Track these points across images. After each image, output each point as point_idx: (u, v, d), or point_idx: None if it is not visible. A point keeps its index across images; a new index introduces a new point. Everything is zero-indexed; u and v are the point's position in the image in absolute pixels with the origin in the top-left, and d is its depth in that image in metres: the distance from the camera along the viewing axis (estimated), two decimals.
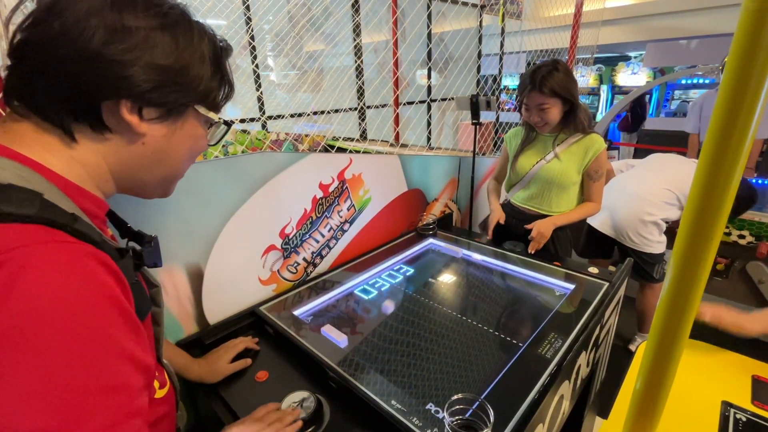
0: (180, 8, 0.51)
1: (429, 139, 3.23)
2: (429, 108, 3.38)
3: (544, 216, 1.54)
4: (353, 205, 1.48)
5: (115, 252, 0.45)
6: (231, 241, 1.11)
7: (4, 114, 0.48)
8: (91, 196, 0.49)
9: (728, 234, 2.07)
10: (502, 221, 1.59)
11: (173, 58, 0.48)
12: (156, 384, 0.58)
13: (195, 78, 0.51)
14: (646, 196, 1.88)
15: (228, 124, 0.60)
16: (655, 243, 1.90)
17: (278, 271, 1.27)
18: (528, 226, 1.50)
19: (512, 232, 1.62)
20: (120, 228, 0.63)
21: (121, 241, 0.62)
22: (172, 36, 0.48)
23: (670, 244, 1.86)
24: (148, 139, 0.50)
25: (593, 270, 1.33)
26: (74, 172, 0.47)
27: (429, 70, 3.45)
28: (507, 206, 1.69)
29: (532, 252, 1.47)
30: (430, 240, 1.65)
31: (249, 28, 2.83)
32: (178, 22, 0.49)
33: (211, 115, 0.56)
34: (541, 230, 1.46)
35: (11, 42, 0.45)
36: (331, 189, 1.38)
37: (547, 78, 1.35)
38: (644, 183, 1.93)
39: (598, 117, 6.16)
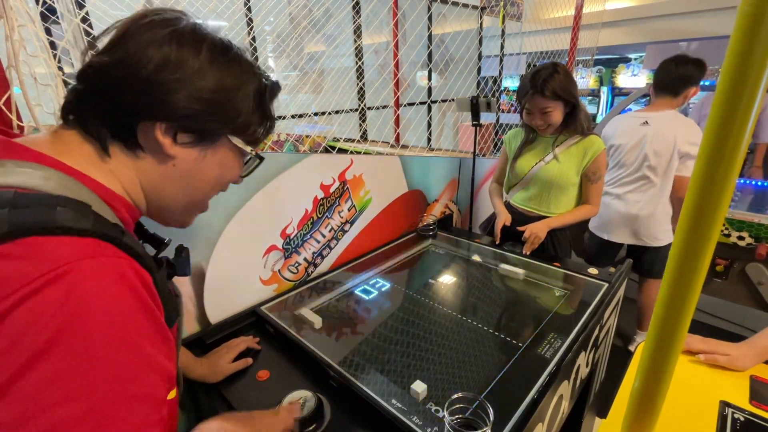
0: (236, 50, 0.54)
1: (429, 140, 3.24)
2: (429, 109, 3.39)
3: (543, 217, 1.55)
4: (354, 206, 1.49)
5: (154, 264, 0.48)
6: (233, 241, 1.12)
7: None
8: (129, 205, 0.52)
9: (727, 235, 2.07)
10: (508, 223, 1.58)
11: (219, 92, 0.51)
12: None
13: (235, 111, 0.53)
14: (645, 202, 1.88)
15: (260, 158, 0.61)
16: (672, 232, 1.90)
17: (279, 271, 1.27)
18: (521, 228, 1.50)
19: (512, 233, 1.62)
20: (136, 230, 0.64)
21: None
22: (222, 73, 0.51)
23: None
24: (178, 161, 0.52)
25: (593, 271, 1.34)
26: (112, 183, 0.49)
27: (429, 71, 3.46)
28: (506, 207, 1.70)
29: (527, 253, 1.47)
30: (430, 241, 1.65)
31: (250, 29, 2.84)
32: (231, 61, 0.52)
33: (245, 147, 0.57)
34: (534, 231, 1.47)
35: (82, 66, 0.49)
36: (332, 190, 1.39)
37: (549, 81, 1.35)
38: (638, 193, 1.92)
39: (598, 119, 6.17)
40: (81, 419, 0.36)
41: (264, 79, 0.57)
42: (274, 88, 0.59)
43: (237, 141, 0.56)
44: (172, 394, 0.60)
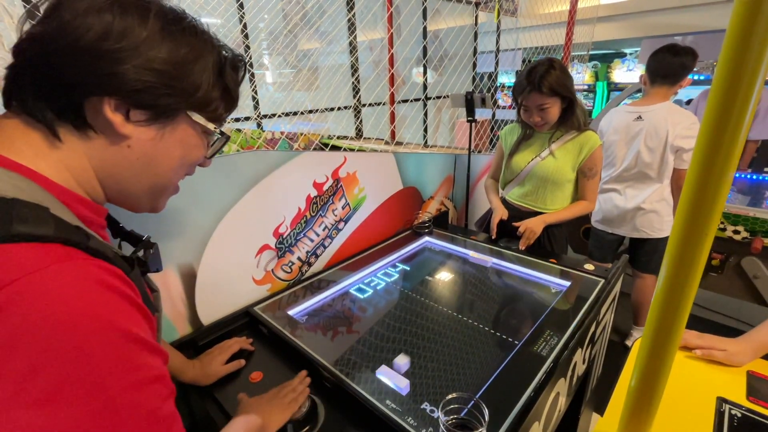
0: (191, 19, 0.51)
1: (425, 136, 3.23)
2: (425, 105, 3.38)
3: (538, 213, 1.54)
4: (348, 204, 1.47)
5: (126, 264, 0.46)
6: (224, 241, 1.10)
7: None
8: (88, 202, 0.49)
9: (723, 229, 2.08)
10: (505, 218, 1.57)
11: (172, 63, 0.48)
12: None
13: (192, 84, 0.50)
14: (645, 200, 1.88)
15: (225, 135, 0.58)
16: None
17: (272, 270, 1.26)
18: (516, 224, 1.49)
19: (508, 228, 1.62)
20: (111, 228, 0.62)
21: (114, 241, 0.61)
22: (174, 42, 0.48)
23: None
24: (133, 141, 0.49)
25: (589, 267, 1.33)
26: (63, 178, 0.46)
27: (424, 67, 3.44)
28: (502, 203, 1.69)
29: (522, 248, 1.47)
30: (426, 238, 1.64)
31: (243, 26, 2.82)
32: (184, 30, 0.49)
33: (206, 123, 0.54)
34: (530, 226, 1.46)
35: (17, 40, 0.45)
36: (325, 187, 1.37)
37: (546, 77, 1.34)
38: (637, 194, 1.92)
39: (594, 114, 6.17)
40: (95, 417, 0.35)
41: (224, 51, 0.54)
42: (236, 61, 0.56)
43: (198, 117, 0.52)
44: None
